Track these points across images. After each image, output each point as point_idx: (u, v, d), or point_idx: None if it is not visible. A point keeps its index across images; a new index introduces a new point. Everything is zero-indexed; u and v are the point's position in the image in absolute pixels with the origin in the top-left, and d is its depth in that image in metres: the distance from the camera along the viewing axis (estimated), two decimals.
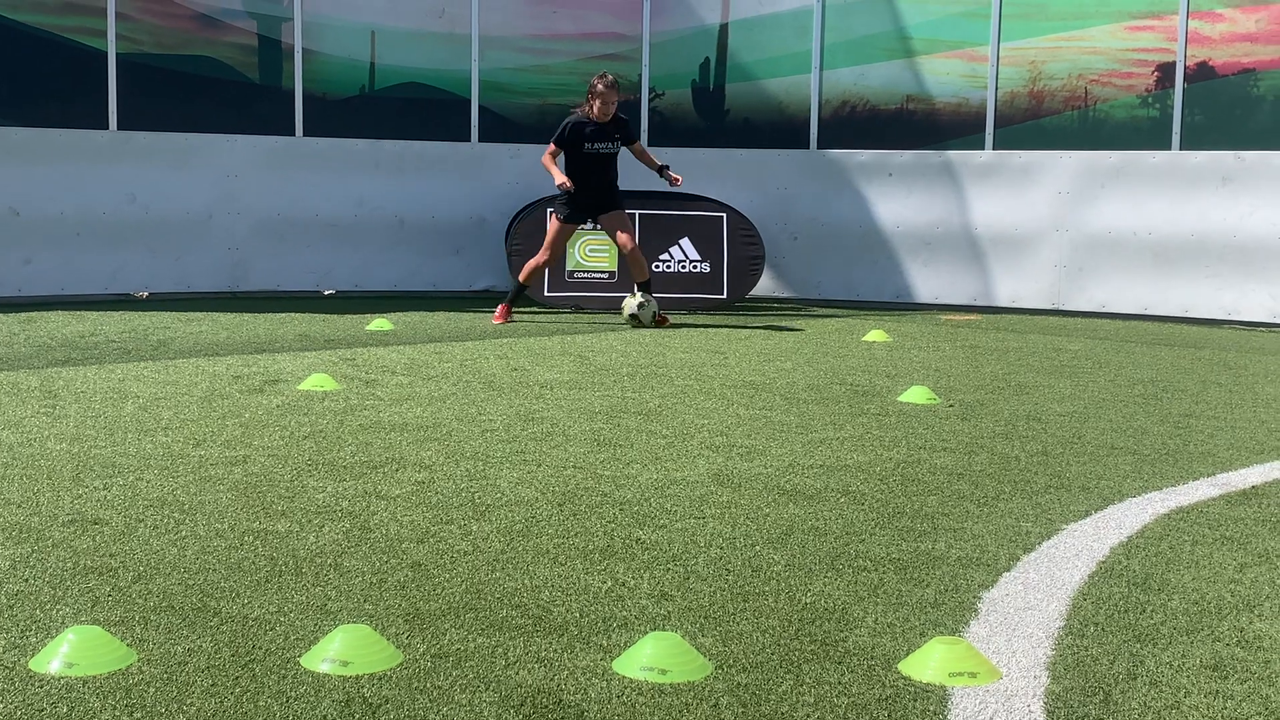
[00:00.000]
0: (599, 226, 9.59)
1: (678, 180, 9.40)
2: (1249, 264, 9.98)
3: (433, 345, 8.13)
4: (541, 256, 9.36)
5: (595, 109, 9.12)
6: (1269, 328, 9.76)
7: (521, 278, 9.50)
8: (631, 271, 9.35)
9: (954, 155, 10.80)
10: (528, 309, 10.26)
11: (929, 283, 10.97)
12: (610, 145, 9.24)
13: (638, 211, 10.78)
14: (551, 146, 9.25)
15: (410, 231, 11.06)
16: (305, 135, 10.79)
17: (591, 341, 8.47)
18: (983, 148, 10.73)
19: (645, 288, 9.30)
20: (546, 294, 10.52)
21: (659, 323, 9.30)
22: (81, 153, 10.13)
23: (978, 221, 10.72)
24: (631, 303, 9.30)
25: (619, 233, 9.29)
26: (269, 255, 10.74)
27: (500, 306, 9.49)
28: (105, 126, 10.24)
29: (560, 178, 9.07)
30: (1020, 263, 10.70)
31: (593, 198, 9.24)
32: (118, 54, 10.24)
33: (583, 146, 9.18)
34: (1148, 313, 10.35)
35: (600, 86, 9.11)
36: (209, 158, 10.51)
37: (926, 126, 10.95)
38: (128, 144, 10.27)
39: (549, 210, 9.86)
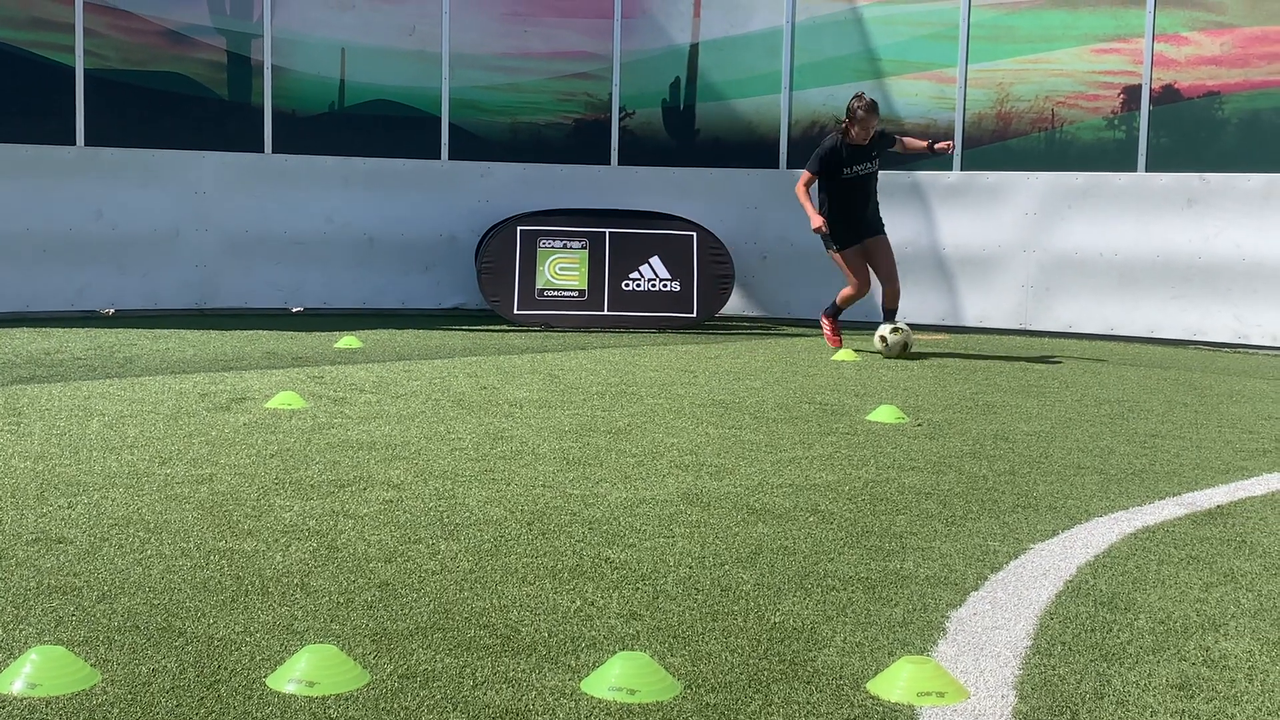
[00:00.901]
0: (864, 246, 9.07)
1: (949, 147, 8.98)
2: (1213, 285, 10.07)
3: (402, 363, 8.11)
4: (850, 289, 9.05)
5: (854, 133, 8.77)
6: (1233, 348, 9.85)
7: (839, 302, 9.23)
8: (886, 299, 9.04)
9: (922, 176, 10.86)
10: (497, 328, 10.24)
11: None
12: (869, 165, 8.89)
13: (606, 230, 10.80)
14: (806, 174, 8.85)
15: (380, 249, 11.02)
16: (274, 152, 10.75)
17: (561, 360, 8.46)
18: (951, 168, 10.80)
19: (892, 315, 9.00)
20: (516, 312, 10.51)
21: (904, 350, 8.89)
22: (47, 168, 10.06)
23: (946, 242, 10.77)
24: (887, 330, 8.93)
25: (883, 261, 8.99)
26: (237, 272, 10.68)
27: (827, 324, 9.34)
28: (72, 142, 10.17)
29: (816, 219, 8.75)
30: (988, 283, 10.76)
31: (856, 222, 8.92)
32: (85, 69, 10.18)
33: (841, 173, 8.82)
34: (1114, 333, 10.42)
35: (860, 112, 8.73)
36: (177, 174, 10.46)
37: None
38: (94, 160, 10.20)
39: (827, 247, 9.06)
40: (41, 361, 7.76)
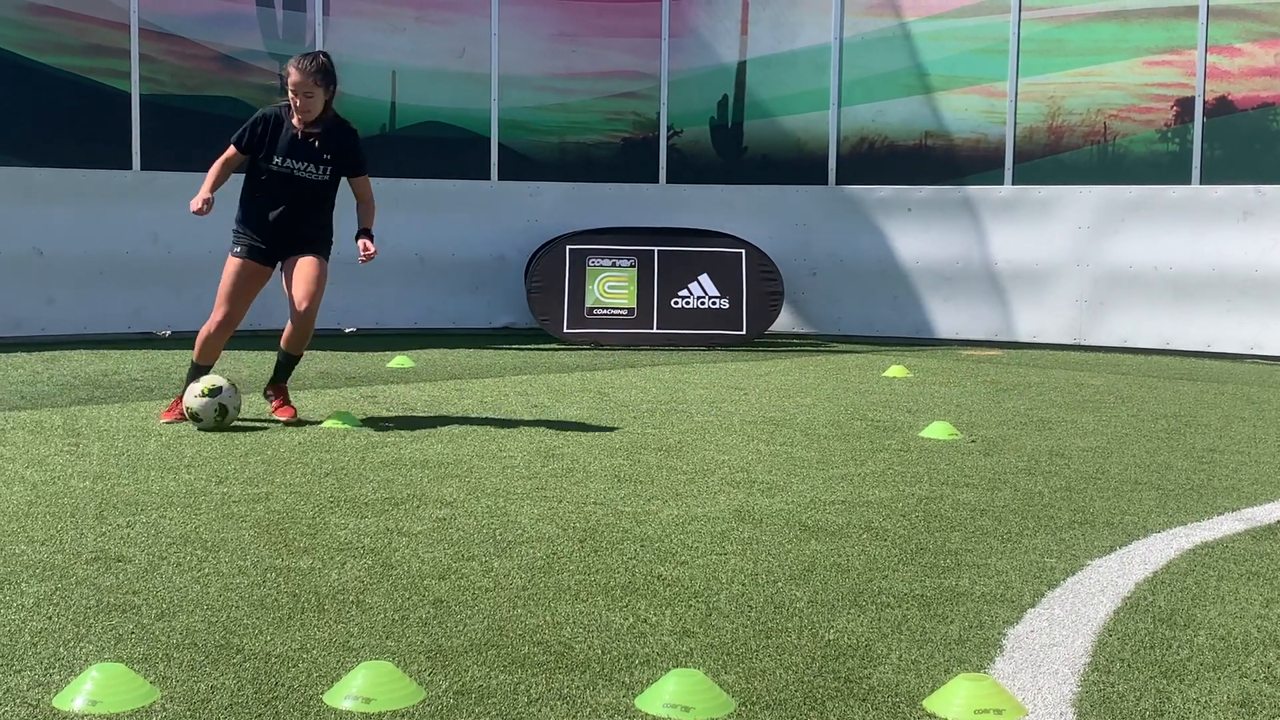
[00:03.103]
0: None
1: (367, 257, 6.61)
2: (1270, 298, 9.94)
3: (453, 382, 8.15)
4: (212, 322, 6.62)
5: (296, 107, 6.49)
6: None
7: (197, 348, 6.60)
8: (287, 337, 6.71)
9: (973, 190, 10.81)
10: (547, 346, 10.27)
11: (949, 318, 10.96)
12: (315, 170, 6.57)
13: (655, 248, 10.81)
14: (230, 149, 6.63)
15: (430, 269, 11.10)
16: None
17: (611, 378, 8.47)
18: (1002, 183, 10.74)
19: (287, 366, 6.81)
20: (565, 331, 10.54)
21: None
22: (105, 193, 10.21)
23: (997, 256, 10.71)
24: (202, 388, 6.34)
25: (300, 283, 6.61)
26: None
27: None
28: (129, 167, 10.33)
29: (201, 195, 6.48)
30: (1041, 297, 10.68)
31: (276, 233, 6.67)
32: (141, 95, 10.34)
33: (269, 161, 6.58)
34: (1169, 347, 10.30)
35: (293, 73, 6.47)
36: (231, 198, 10.55)
37: (945, 162, 10.97)
38: (151, 184, 10.35)
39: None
40: (99, 383, 7.87)
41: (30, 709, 2.90)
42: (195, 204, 6.46)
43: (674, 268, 10.76)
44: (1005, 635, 3.49)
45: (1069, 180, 10.60)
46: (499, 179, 11.26)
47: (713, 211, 11.16)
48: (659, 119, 11.51)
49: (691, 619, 3.59)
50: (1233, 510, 4.95)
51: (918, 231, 10.98)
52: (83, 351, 9.34)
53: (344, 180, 6.70)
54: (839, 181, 11.21)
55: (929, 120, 11.03)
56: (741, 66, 11.54)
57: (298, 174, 6.58)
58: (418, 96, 11.16)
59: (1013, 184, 10.72)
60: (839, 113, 11.23)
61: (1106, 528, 4.65)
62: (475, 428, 6.47)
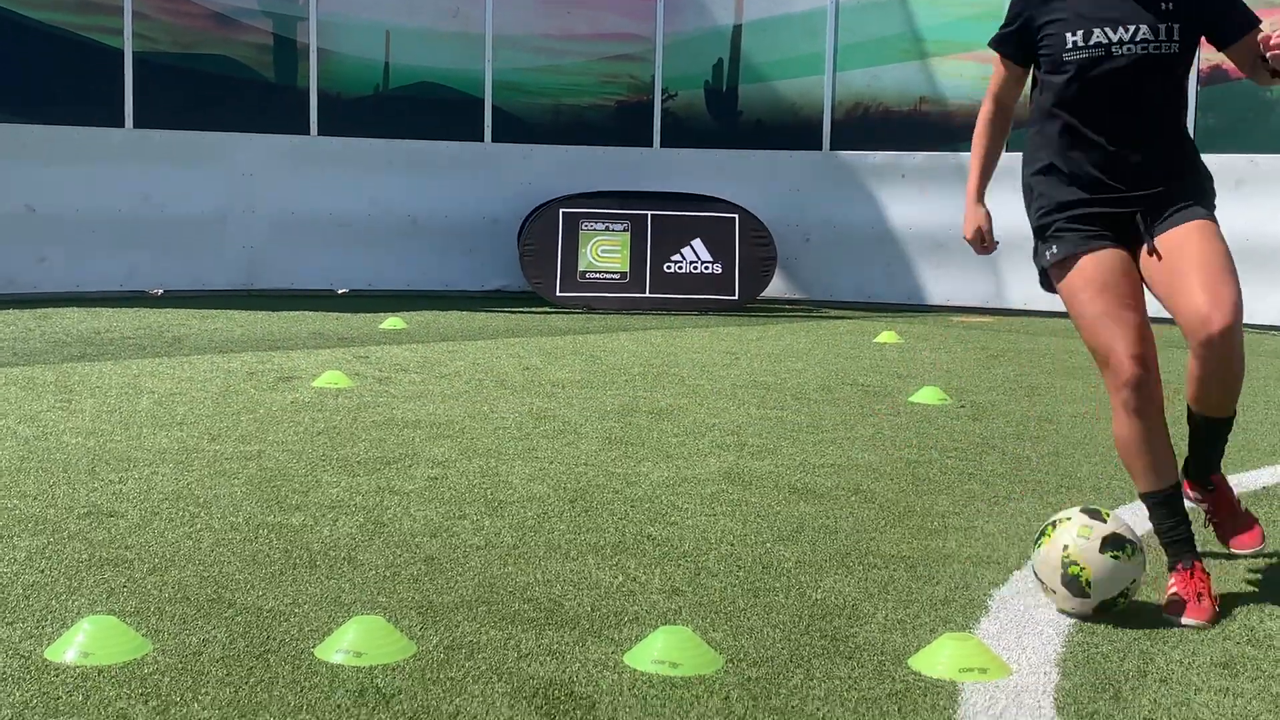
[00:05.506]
0: None
1: None
2: (1262, 268, 9.96)
3: (445, 344, 8.16)
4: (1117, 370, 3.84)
5: None
6: None
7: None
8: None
9: (967, 157, 10.77)
10: (539, 309, 10.28)
11: (941, 285, 10.97)
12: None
13: (649, 212, 10.80)
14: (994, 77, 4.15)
15: (423, 231, 11.08)
16: (320, 134, 10.82)
17: (603, 341, 8.48)
18: None
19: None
20: (558, 294, 10.54)
21: None
22: (97, 151, 10.17)
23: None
24: None
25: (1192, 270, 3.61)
26: (283, 254, 10.77)
27: None
28: (121, 125, 10.28)
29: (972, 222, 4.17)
30: (1032, 265, 10.68)
31: (1120, 178, 3.67)
32: (134, 52, 10.28)
33: (1091, 53, 3.58)
34: (1161, 315, 10.32)
35: None
36: (224, 156, 10.55)
37: (940, 128, 10.95)
38: (143, 142, 10.31)
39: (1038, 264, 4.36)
40: (92, 340, 7.87)
41: (22, 660, 2.93)
42: (969, 232, 4.04)
43: (667, 232, 10.75)
44: (991, 596, 3.52)
45: None
46: (492, 141, 11.22)
47: (706, 176, 11.13)
48: (654, 82, 11.48)
49: (680, 578, 3.62)
50: None
51: (912, 197, 10.97)
52: (75, 309, 9.32)
53: None
54: (833, 147, 11.19)
55: (924, 86, 11.00)
56: (737, 30, 11.49)
57: (1125, 51, 3.50)
58: (411, 57, 11.10)
59: (1006, 151, 10.69)
60: (834, 78, 11.20)
61: (1093, 492, 4.69)
62: (467, 389, 6.49)
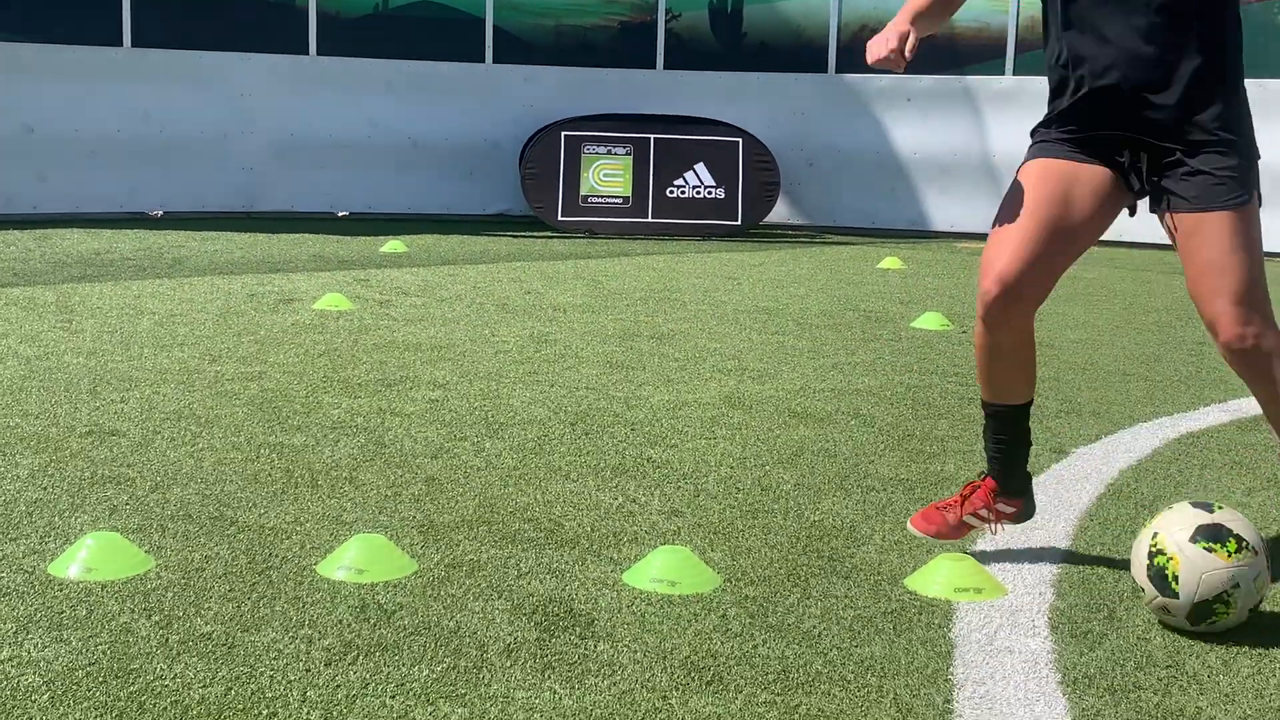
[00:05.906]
0: None
1: None
2: (1268, 195, 9.91)
3: (446, 267, 8.14)
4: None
5: None
6: None
7: None
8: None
9: (974, 81, 10.69)
10: (540, 234, 10.24)
11: (946, 210, 10.92)
12: None
13: (651, 136, 10.72)
14: None
15: (423, 154, 11.00)
16: (319, 55, 10.72)
17: (604, 266, 8.46)
18: (1003, 73, 10.62)
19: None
20: (559, 218, 10.50)
21: None
22: (95, 70, 10.08)
23: (996, 149, 10.63)
24: None
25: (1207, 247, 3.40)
26: (283, 176, 10.71)
27: None
28: (119, 43, 10.18)
29: None
30: None
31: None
32: None
33: None
34: (1165, 242, 10.28)
35: None
36: (223, 76, 10.45)
37: (946, 51, 10.83)
38: (142, 61, 10.21)
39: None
40: (92, 261, 7.85)
41: (26, 576, 2.95)
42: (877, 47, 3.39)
43: (670, 156, 10.68)
44: None
45: None
46: (494, 62, 11.11)
47: (710, 99, 11.04)
48: (657, 2, 11.34)
49: (680, 499, 3.64)
50: (1219, 402, 4.99)
51: (917, 122, 10.88)
52: (75, 230, 9.29)
53: None
54: (838, 69, 11.08)
55: None
56: None
57: None
58: None
59: (1014, 75, 10.61)
60: None
61: (1093, 417, 4.70)
62: (468, 312, 6.48)
